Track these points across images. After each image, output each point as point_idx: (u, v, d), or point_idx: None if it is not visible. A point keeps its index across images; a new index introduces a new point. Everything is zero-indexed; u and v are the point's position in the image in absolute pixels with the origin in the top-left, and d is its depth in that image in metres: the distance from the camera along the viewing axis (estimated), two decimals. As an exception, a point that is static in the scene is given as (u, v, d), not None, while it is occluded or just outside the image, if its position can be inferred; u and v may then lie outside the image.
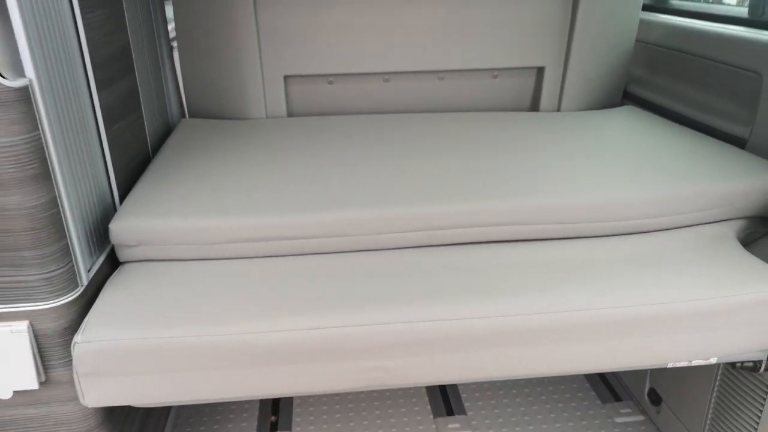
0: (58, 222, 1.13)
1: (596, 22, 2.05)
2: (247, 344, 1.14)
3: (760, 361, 1.33)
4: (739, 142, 1.74)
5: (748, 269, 1.30)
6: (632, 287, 1.25)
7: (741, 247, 1.41)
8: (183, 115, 2.15)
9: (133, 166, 1.59)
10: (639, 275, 1.29)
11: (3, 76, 0.99)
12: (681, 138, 1.78)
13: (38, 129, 1.06)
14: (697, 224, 1.48)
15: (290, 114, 2.15)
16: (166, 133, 1.95)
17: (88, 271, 1.24)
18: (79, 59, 1.27)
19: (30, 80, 1.04)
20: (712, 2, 2.19)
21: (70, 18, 1.24)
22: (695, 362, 1.29)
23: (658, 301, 1.21)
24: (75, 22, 1.26)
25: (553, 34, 2.10)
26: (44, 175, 1.08)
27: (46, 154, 1.09)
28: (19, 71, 1.04)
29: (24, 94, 1.03)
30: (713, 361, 1.30)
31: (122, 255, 1.34)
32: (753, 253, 1.42)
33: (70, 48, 1.23)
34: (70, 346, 1.16)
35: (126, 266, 1.34)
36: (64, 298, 1.15)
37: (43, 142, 1.08)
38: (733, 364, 1.38)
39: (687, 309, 1.22)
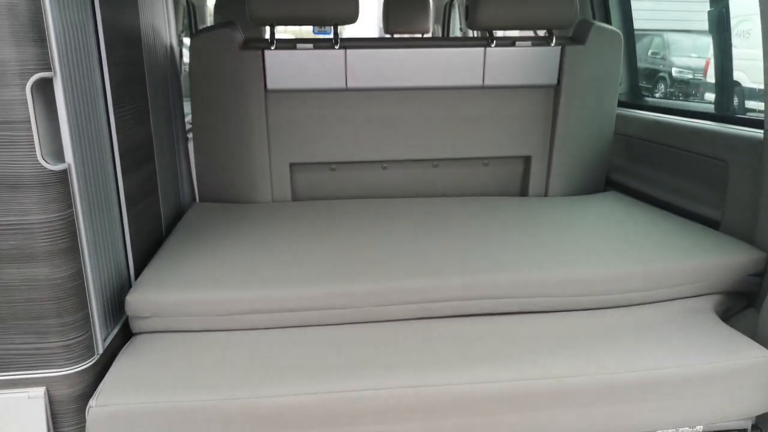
0: (82, 293, 1.22)
1: (576, 116, 2.25)
2: (252, 410, 1.20)
3: (745, 430, 1.37)
4: (713, 224, 1.86)
5: (726, 339, 1.38)
6: (618, 355, 1.32)
7: (719, 319, 1.49)
8: (194, 199, 2.29)
9: (148, 245, 1.70)
10: (624, 344, 1.37)
11: (46, 161, 1.13)
12: (660, 220, 1.91)
13: (71, 208, 1.19)
14: (677, 298, 1.57)
15: (295, 198, 2.29)
16: (178, 215, 2.08)
17: (104, 340, 1.32)
18: (108, 147, 1.42)
19: (69, 165, 1.18)
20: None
21: (104, 111, 1.40)
22: (682, 430, 1.34)
23: (643, 368, 1.29)
24: (108, 115, 1.41)
25: (538, 127, 2.28)
26: (73, 249, 1.19)
27: (77, 230, 1.20)
28: (60, 157, 1.17)
29: (63, 177, 1.16)
30: (699, 429, 1.35)
31: (135, 326, 1.42)
32: (731, 326, 1.50)
33: (103, 137, 1.38)
34: (81, 413, 1.22)
35: (139, 337, 1.41)
36: (80, 365, 1.22)
37: (75, 219, 1.20)
38: None
39: (670, 375, 1.29)
